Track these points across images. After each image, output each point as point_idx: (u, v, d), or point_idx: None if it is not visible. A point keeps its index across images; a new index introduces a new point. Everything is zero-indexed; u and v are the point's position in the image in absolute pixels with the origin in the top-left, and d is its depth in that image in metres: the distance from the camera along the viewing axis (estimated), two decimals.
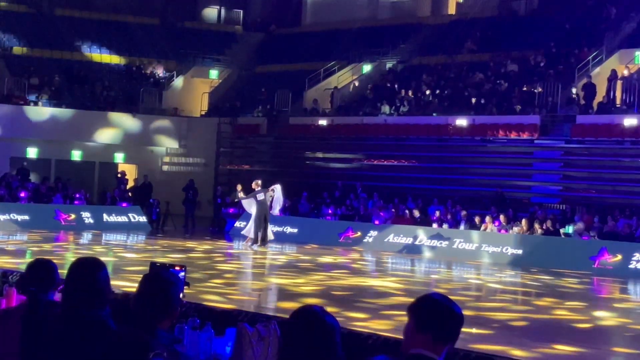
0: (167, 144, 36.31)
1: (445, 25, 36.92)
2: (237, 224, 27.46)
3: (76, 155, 34.86)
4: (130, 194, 30.33)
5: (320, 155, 32.20)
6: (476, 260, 22.14)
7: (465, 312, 3.57)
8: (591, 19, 32.09)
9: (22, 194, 26.93)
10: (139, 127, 35.09)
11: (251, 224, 22.80)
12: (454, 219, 24.90)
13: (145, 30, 40.82)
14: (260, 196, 22.73)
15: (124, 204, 28.70)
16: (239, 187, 23.67)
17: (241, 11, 43.74)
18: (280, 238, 24.50)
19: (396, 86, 33.86)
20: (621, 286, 19.33)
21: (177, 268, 6.32)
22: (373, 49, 36.34)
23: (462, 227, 24.35)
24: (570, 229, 23.16)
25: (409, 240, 24.12)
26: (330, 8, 40.75)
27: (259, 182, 23.27)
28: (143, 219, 27.92)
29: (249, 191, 23.25)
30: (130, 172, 34.09)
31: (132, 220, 27.64)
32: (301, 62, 37.56)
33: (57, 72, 36.38)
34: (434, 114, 30.68)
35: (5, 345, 4.73)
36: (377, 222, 25.59)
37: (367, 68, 36.40)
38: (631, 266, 20.44)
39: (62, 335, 4.27)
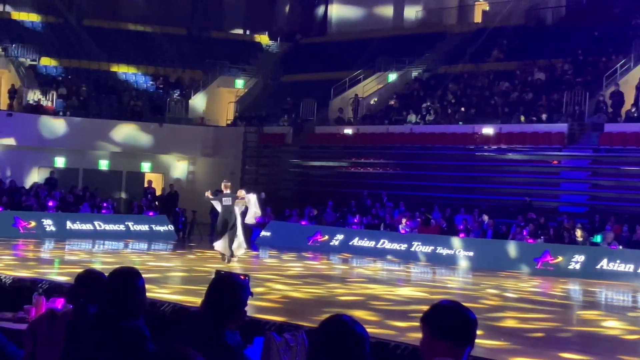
0: (193, 153, 36.45)
1: (472, 34, 36.79)
2: (262, 233, 27.51)
3: (103, 164, 35.09)
4: (156, 203, 30.47)
5: (345, 164, 32.16)
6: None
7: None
8: (619, 27, 31.85)
9: (50, 203, 27.15)
10: (165, 136, 35.25)
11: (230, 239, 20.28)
12: (481, 228, 24.77)
13: (171, 41, 41.07)
14: (227, 201, 20.22)
15: (151, 213, 28.82)
16: (208, 192, 21.18)
17: (267, 21, 43.85)
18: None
19: (422, 95, 33.79)
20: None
21: (240, 277, 6.26)
22: (399, 57, 36.30)
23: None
24: (599, 238, 22.96)
25: (440, 250, 24.09)
26: (356, 17, 40.77)
27: (229, 184, 20.98)
28: (169, 228, 28.01)
29: (219, 193, 21.04)
30: (156, 181, 34.28)
31: (157, 229, 27.65)
32: (327, 72, 37.59)
33: (84, 82, 36.69)
34: (460, 123, 30.57)
35: (49, 351, 4.79)
36: (403, 232, 25.52)
37: (392, 77, 36.36)
38: None
39: (99, 343, 4.29)
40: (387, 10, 40.10)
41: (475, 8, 40.17)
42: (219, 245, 20.00)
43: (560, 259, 22.11)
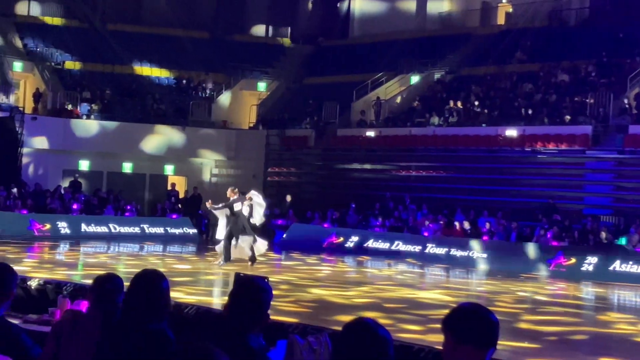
0: (216, 156, 36.56)
1: (495, 36, 36.65)
2: (285, 235, 27.57)
3: (127, 167, 35.28)
4: (180, 205, 30.60)
5: (368, 166, 32.13)
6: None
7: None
8: None
9: (75, 206, 27.33)
10: (188, 139, 35.40)
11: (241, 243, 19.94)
12: (504, 231, 24.66)
13: (194, 44, 41.21)
14: (237, 206, 19.71)
15: (174, 216, 28.96)
16: (209, 203, 20.56)
17: (289, 24, 43.92)
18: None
19: (445, 97, 33.70)
20: None
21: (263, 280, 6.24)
22: (421, 59, 36.22)
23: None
24: (624, 240, 22.80)
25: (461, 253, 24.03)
26: (378, 20, 40.71)
27: (236, 189, 20.37)
28: (191, 230, 28.10)
29: (224, 201, 20.28)
30: (180, 184, 34.41)
31: (177, 232, 27.67)
32: (349, 74, 37.57)
33: (108, 85, 36.92)
34: (484, 125, 30.46)
35: (72, 353, 4.83)
36: (426, 234, 25.48)
37: (415, 79, 36.28)
38: None
39: (123, 346, 4.30)
40: (410, 13, 39.97)
41: (499, 10, 40.01)
42: (237, 252, 19.78)
43: (573, 260, 22.10)
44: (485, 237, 24.62)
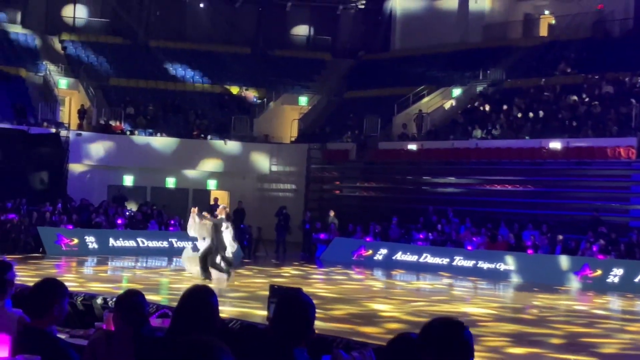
0: (258, 170, 36.70)
1: (538, 47, 36.36)
2: (327, 250, 27.56)
3: (170, 182, 35.56)
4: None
5: (410, 180, 31.98)
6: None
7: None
8: None
9: (119, 221, 27.56)
10: (230, 154, 35.59)
11: (196, 261, 19.07)
12: (550, 244, 24.37)
13: (236, 59, 41.51)
14: (224, 226, 19.03)
15: None
16: (194, 210, 19.52)
17: (330, 38, 44.04)
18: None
19: (487, 109, 33.47)
20: None
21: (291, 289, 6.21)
22: (463, 72, 36.05)
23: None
24: None
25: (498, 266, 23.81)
26: (420, 33, 40.61)
27: (227, 208, 19.98)
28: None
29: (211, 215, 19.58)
30: (222, 198, 34.57)
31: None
32: (390, 87, 37.51)
33: (151, 101, 37.30)
34: (527, 137, 30.18)
35: None
36: (469, 248, 25.28)
37: (457, 92, 36.10)
38: None
39: None
40: (452, 25, 39.76)
41: (541, 21, 39.69)
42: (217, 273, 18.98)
43: (599, 272, 21.92)
44: (530, 251, 24.39)
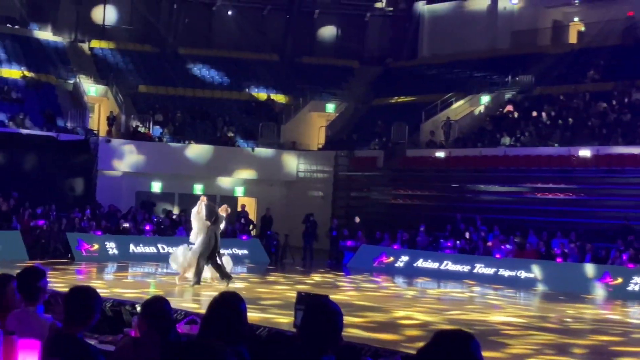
0: (285, 177, 36.73)
1: (567, 54, 36.13)
2: (354, 257, 27.49)
3: (198, 189, 35.64)
4: (251, 226, 30.79)
5: (438, 187, 31.84)
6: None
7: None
8: None
9: (147, 227, 27.67)
10: (258, 160, 35.65)
11: (191, 259, 18.87)
12: (579, 252, 24.15)
13: (264, 66, 41.64)
14: (223, 225, 19.26)
15: (244, 237, 29.11)
16: (204, 199, 19.50)
17: (358, 45, 44.02)
18: None
19: (516, 117, 33.28)
20: None
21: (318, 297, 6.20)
22: (491, 79, 35.89)
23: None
24: None
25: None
26: (448, 39, 40.51)
27: (229, 210, 19.83)
28: (260, 251, 28.21)
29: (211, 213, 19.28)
30: (250, 205, 34.63)
31: (244, 253, 27.61)
32: (418, 95, 37.42)
33: (180, 108, 37.50)
34: (556, 145, 29.97)
35: None
36: (498, 256, 25.12)
37: (485, 99, 35.93)
38: None
39: None
40: (480, 32, 39.60)
41: (570, 28, 39.46)
42: (212, 271, 18.96)
43: (619, 280, 21.72)
44: (559, 259, 24.19)
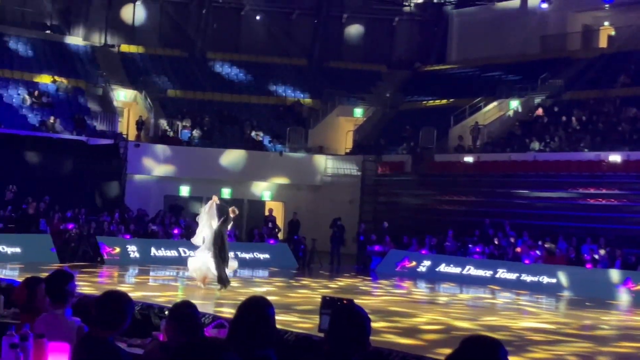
0: (313, 181, 36.73)
1: (597, 59, 35.82)
2: (392, 262, 27.42)
3: (225, 193, 35.75)
4: (277, 230, 30.82)
5: (466, 192, 31.67)
6: None
7: None
8: None
9: (176, 231, 27.77)
10: (286, 165, 35.68)
11: (209, 261, 18.61)
12: (609, 258, 23.91)
13: (292, 70, 41.71)
14: (230, 226, 19.21)
15: (272, 241, 29.13)
16: (215, 198, 19.30)
17: (386, 49, 43.95)
18: None
19: (546, 122, 33.04)
20: None
21: (344, 302, 6.19)
22: (521, 84, 35.65)
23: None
24: None
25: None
26: (477, 44, 40.33)
27: (237, 211, 19.62)
28: (287, 256, 28.22)
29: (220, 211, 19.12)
30: (277, 209, 34.66)
31: (259, 257, 27.48)
32: (446, 99, 37.26)
33: (208, 112, 37.65)
34: (586, 150, 29.71)
35: None
36: (527, 262, 24.93)
37: (514, 104, 35.70)
38: None
39: None
40: (509, 36, 39.35)
41: (601, 33, 39.12)
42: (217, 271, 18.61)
43: None
44: (588, 265, 23.97)
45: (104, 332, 4.91)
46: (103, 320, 4.92)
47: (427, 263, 26.46)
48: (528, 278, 24.00)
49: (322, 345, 4.16)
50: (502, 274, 24.59)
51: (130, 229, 26.97)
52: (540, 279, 23.78)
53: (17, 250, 23.79)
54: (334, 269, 28.46)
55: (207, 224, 18.85)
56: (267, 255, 27.70)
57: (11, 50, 36.86)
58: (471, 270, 25.26)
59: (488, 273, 24.89)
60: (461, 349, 3.39)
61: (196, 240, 19.27)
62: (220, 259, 18.50)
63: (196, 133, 36.00)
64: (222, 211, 19.03)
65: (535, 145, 31.38)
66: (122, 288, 17.11)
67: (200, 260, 18.81)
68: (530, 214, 28.51)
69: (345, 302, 6.01)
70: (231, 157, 34.86)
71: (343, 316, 4.10)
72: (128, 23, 41.65)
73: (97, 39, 40.33)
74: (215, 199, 19.41)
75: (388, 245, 28.63)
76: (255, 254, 27.60)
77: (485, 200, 30.82)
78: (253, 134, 37.06)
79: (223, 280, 18.52)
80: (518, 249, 25.90)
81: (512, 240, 26.49)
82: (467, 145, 34.09)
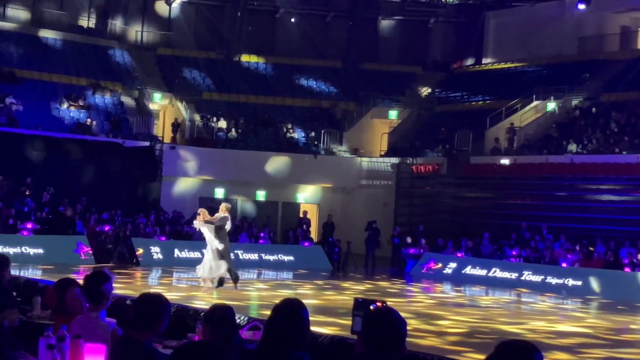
0: (347, 184, 36.66)
1: (635, 60, 35.37)
2: (418, 265, 27.30)
3: (260, 195, 35.83)
4: (309, 233, 30.82)
5: (502, 195, 31.41)
6: None
7: None
8: None
9: None
10: (320, 167, 35.65)
11: (215, 263, 18.43)
12: None
13: (326, 73, 41.70)
14: (228, 225, 18.76)
15: (306, 244, 29.12)
16: (200, 218, 18.98)
17: (421, 51, 43.76)
18: None
19: (583, 123, 32.68)
20: None
21: (378, 304, 6.12)
22: (558, 85, 35.30)
23: None
24: None
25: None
26: (513, 45, 40.02)
27: (229, 206, 19.26)
28: (322, 258, 28.20)
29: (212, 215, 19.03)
30: (311, 211, 34.65)
31: (284, 259, 27.44)
32: (482, 101, 37.01)
33: (243, 114, 37.76)
34: (624, 152, 29.33)
35: None
36: (564, 265, 24.67)
37: (551, 105, 35.35)
38: None
39: None
40: (546, 37, 38.95)
41: (639, 34, 38.61)
42: (219, 272, 18.51)
43: None
44: (627, 269, 23.65)
45: (140, 334, 4.91)
46: (140, 322, 4.92)
47: (452, 265, 26.51)
48: (553, 281, 23.88)
49: (355, 347, 4.14)
50: (527, 276, 24.48)
51: (166, 231, 27.11)
52: (565, 282, 23.68)
53: (40, 251, 23.68)
54: (368, 271, 28.37)
55: (209, 231, 18.66)
56: (300, 258, 27.70)
57: (49, 53, 37.25)
58: (497, 273, 25.15)
59: (513, 275, 24.77)
60: (497, 352, 3.41)
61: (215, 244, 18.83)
62: (221, 256, 18.35)
63: (231, 135, 36.11)
64: (220, 220, 18.66)
65: (573, 147, 31.06)
66: (157, 290, 17.19)
67: (208, 261, 18.67)
68: (568, 216, 28.20)
69: (379, 304, 5.96)
70: (266, 160, 34.90)
71: (378, 319, 4.07)
72: (164, 25, 41.92)
73: (133, 42, 40.64)
74: (201, 214, 19.04)
75: (423, 248, 28.49)
76: (289, 256, 27.63)
77: (521, 202, 30.55)
78: (288, 136, 37.08)
79: (232, 275, 18.41)
80: (555, 252, 25.64)
81: (549, 243, 26.25)
82: (504, 148, 33.82)
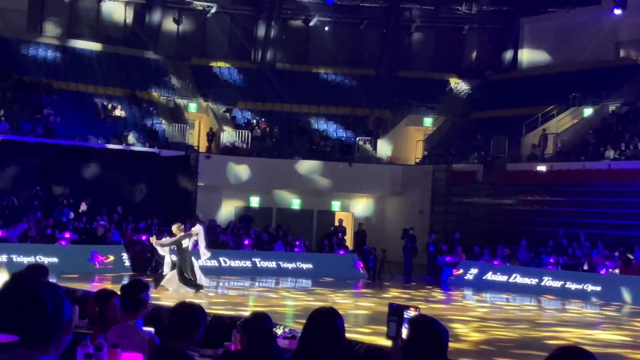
0: (382, 192, 36.57)
1: None
2: (455, 272, 27.13)
3: (295, 203, 35.86)
4: (345, 241, 30.79)
5: (539, 201, 31.13)
6: None
7: None
8: None
9: (246, 242, 27.94)
10: (355, 176, 35.59)
11: (175, 278, 19.66)
12: None
13: (360, 81, 41.67)
14: (185, 242, 19.82)
15: (341, 252, 29.09)
16: (153, 239, 20.96)
17: (455, 58, 43.58)
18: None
19: (620, 129, 32.31)
20: None
21: (411, 309, 6.05)
22: (594, 91, 34.95)
23: None
24: None
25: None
26: (548, 51, 39.72)
27: (182, 226, 20.49)
28: (356, 267, 28.13)
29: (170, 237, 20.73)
30: (346, 220, 34.61)
31: (308, 268, 27.32)
32: (517, 107, 36.74)
33: (277, 123, 37.85)
34: None
35: None
36: (602, 272, 24.38)
37: (588, 111, 34.99)
38: None
39: None
40: (582, 43, 38.54)
41: None
42: (184, 287, 19.59)
43: None
44: None
45: (177, 343, 4.93)
46: (176, 331, 4.95)
47: (474, 271, 26.64)
48: (572, 286, 23.82)
49: (390, 355, 4.14)
50: (547, 282, 24.43)
51: None
52: (585, 287, 23.66)
53: (55, 260, 23.35)
54: (405, 279, 28.26)
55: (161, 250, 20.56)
56: (336, 266, 27.68)
57: (84, 64, 37.67)
58: (517, 279, 25.15)
59: (534, 281, 24.76)
60: (552, 358, 3.42)
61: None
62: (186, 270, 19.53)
63: (266, 144, 36.20)
64: (176, 242, 19.93)
65: (610, 153, 30.72)
66: (193, 299, 17.27)
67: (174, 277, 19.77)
68: (605, 223, 27.88)
69: (412, 309, 5.95)
70: (301, 168, 34.95)
71: (421, 328, 4.04)
72: (198, 36, 42.19)
73: (168, 52, 40.96)
74: (154, 241, 20.65)
75: (459, 255, 28.32)
76: (324, 264, 27.60)
77: (559, 209, 30.25)
78: (322, 144, 37.10)
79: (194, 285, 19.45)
80: (593, 260, 25.36)
81: (587, 250, 26.00)
82: (540, 154, 33.53)
